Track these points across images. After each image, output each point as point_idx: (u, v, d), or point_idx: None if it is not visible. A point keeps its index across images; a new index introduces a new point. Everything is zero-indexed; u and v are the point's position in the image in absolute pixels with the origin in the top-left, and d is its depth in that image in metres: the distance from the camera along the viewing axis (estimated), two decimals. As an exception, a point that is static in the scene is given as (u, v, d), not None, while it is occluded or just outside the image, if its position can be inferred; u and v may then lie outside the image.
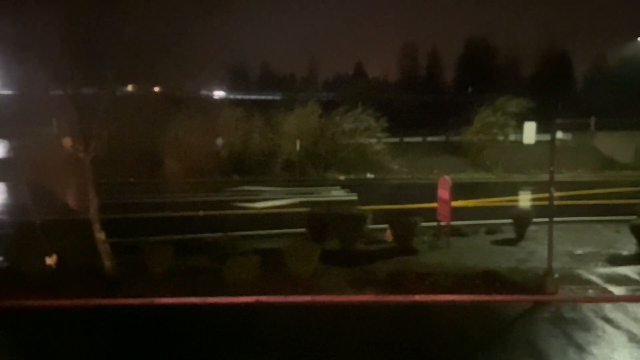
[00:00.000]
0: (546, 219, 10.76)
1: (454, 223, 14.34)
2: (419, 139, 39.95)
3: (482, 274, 11.12)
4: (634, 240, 13.52)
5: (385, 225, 14.34)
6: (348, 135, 33.61)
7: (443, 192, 14.14)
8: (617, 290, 10.62)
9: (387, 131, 34.29)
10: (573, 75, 67.81)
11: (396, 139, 36.52)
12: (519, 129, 35.29)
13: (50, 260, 11.40)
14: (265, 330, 9.09)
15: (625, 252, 13.42)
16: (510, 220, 15.26)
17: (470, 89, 61.00)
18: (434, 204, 14.97)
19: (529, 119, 35.01)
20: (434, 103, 52.77)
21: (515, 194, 23.68)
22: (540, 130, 33.74)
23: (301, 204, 20.25)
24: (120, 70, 10.61)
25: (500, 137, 34.94)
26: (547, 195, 10.75)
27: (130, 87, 11.97)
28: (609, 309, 9.74)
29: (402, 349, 8.38)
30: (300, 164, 32.24)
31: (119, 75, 10.73)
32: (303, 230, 14.33)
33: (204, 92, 12.47)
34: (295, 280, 10.93)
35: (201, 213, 19.03)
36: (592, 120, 39.14)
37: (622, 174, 31.53)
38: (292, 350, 8.31)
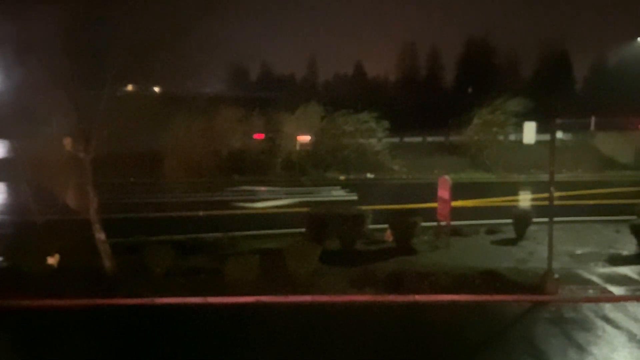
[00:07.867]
0: (546, 219, 10.77)
1: (454, 223, 14.34)
2: (419, 139, 39.91)
3: (482, 273, 11.11)
4: (634, 240, 13.51)
5: (385, 225, 14.34)
6: (348, 135, 33.60)
7: (443, 192, 14.14)
8: (617, 290, 10.63)
9: (387, 131, 34.27)
10: (573, 75, 67.85)
11: (396, 139, 36.48)
12: (519, 128, 35.30)
13: (52, 260, 11.38)
14: (265, 330, 9.09)
15: (625, 252, 13.42)
16: (510, 220, 15.27)
17: (470, 89, 60.96)
18: (434, 204, 14.97)
19: (529, 119, 35.05)
20: (434, 103, 52.70)
21: (515, 193, 23.65)
22: (540, 130, 33.78)
23: (301, 204, 20.23)
24: (120, 70, 10.61)
25: (500, 137, 34.90)
26: (547, 195, 10.76)
27: (130, 87, 11.96)
28: (609, 309, 9.75)
29: (403, 349, 8.38)
30: (300, 164, 32.22)
31: (119, 75, 10.73)
32: (303, 230, 14.32)
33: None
34: (295, 280, 10.93)
35: (201, 213, 19.02)
36: (592, 120, 39.12)
37: (622, 174, 31.47)
38: (292, 350, 8.31)
